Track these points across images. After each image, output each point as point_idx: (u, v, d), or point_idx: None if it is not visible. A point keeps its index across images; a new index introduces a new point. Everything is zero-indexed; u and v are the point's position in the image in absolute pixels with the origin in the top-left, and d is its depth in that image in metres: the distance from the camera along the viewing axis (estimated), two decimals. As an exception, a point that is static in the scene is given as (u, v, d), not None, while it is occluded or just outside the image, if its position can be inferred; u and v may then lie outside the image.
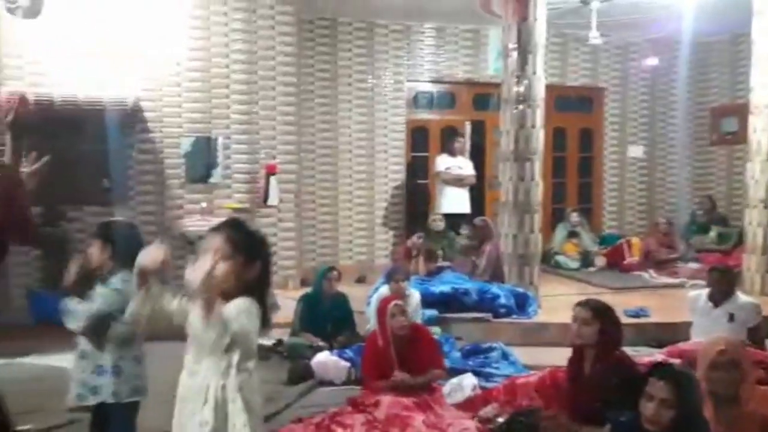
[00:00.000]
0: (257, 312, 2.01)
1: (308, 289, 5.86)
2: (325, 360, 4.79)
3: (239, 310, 1.97)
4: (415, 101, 8.93)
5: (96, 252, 2.78)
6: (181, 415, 2.07)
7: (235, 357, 2.00)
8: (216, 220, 6.96)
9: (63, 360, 5.15)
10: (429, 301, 5.70)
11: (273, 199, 7.39)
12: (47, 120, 6.63)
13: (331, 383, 4.67)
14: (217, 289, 1.95)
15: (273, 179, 7.36)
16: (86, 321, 2.68)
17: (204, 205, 7.23)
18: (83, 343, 2.77)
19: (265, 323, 2.08)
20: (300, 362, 4.79)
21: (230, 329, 1.93)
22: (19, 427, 3.53)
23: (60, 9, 6.54)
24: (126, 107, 6.75)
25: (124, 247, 2.74)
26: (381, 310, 4.17)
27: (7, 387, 3.72)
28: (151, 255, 2.03)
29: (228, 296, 2.00)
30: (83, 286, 2.76)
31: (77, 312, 2.67)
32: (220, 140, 7.32)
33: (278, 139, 7.53)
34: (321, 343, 5.13)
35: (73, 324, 2.69)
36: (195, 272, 1.86)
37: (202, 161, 7.30)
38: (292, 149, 7.60)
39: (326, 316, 5.43)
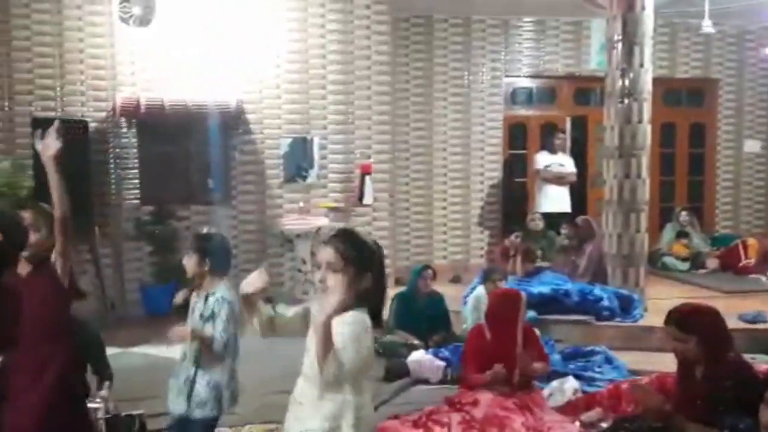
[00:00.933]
0: (367, 327, 1.97)
1: (403, 288, 5.85)
2: (420, 358, 4.76)
3: (348, 339, 1.92)
4: (513, 97, 8.73)
5: (193, 264, 2.85)
6: (294, 417, 2.08)
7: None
8: (313, 219, 7.25)
9: (171, 351, 5.44)
10: (527, 302, 5.53)
11: (368, 198, 7.45)
12: (158, 123, 7.03)
13: (426, 382, 4.65)
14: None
15: (368, 178, 7.42)
16: (223, 342, 2.75)
17: (301, 204, 7.39)
18: (185, 356, 2.85)
19: (378, 325, 2.05)
20: (395, 360, 4.79)
21: (341, 364, 1.90)
22: (133, 412, 3.71)
23: (169, 17, 6.90)
24: (229, 110, 7.00)
25: (220, 259, 2.85)
26: (500, 304, 4.04)
27: (121, 374, 3.95)
28: (253, 282, 2.05)
29: (347, 304, 1.99)
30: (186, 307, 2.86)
31: (218, 339, 2.74)
32: (317, 140, 7.45)
33: (373, 138, 7.59)
34: (416, 342, 5.10)
35: (220, 349, 2.75)
36: (319, 312, 1.85)
37: (300, 161, 7.46)
38: (386, 148, 7.64)
39: (421, 314, 5.39)
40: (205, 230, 3.14)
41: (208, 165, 7.19)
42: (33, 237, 2.49)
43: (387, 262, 7.08)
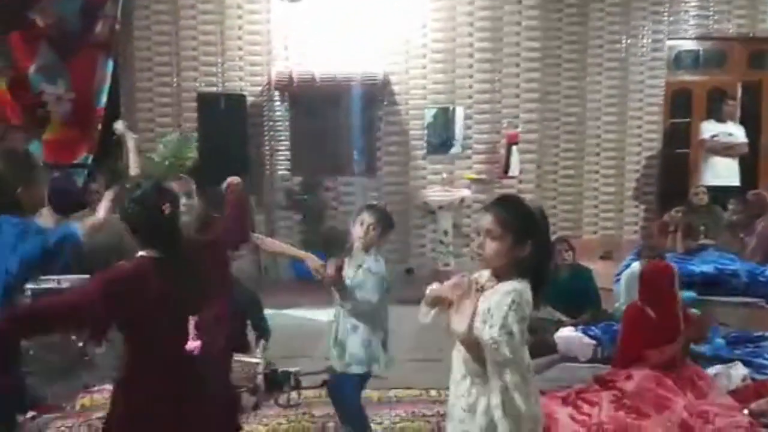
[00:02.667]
0: (526, 299, 1.89)
1: (549, 263, 5.63)
2: (568, 335, 4.57)
3: (497, 307, 1.86)
4: (676, 61, 8.02)
5: (362, 232, 2.92)
6: (454, 395, 2.07)
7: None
8: (456, 191, 7.18)
9: (318, 314, 5.66)
10: (687, 281, 5.10)
11: (513, 170, 7.25)
12: (308, 96, 7.27)
13: (573, 360, 4.46)
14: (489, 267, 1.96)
15: (514, 149, 7.21)
16: (356, 304, 2.85)
17: (445, 175, 7.34)
18: (353, 318, 2.93)
19: (536, 303, 1.97)
20: (541, 336, 4.63)
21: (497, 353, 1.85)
22: (290, 369, 3.90)
23: (319, -9, 7.07)
24: (376, 81, 7.08)
25: (383, 229, 2.94)
26: (656, 279, 3.81)
27: (273, 334, 4.16)
28: (444, 289, 1.99)
29: (501, 276, 1.95)
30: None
31: (368, 300, 2.85)
32: (461, 110, 7.34)
33: (521, 107, 7.34)
34: (564, 318, 4.90)
35: (368, 309, 2.86)
36: (458, 323, 1.80)
37: (444, 132, 7.41)
38: (534, 117, 7.37)
39: (566, 290, 5.15)
40: (373, 202, 3.23)
41: (354, 137, 7.35)
42: (189, 203, 2.65)
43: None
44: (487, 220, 1.96)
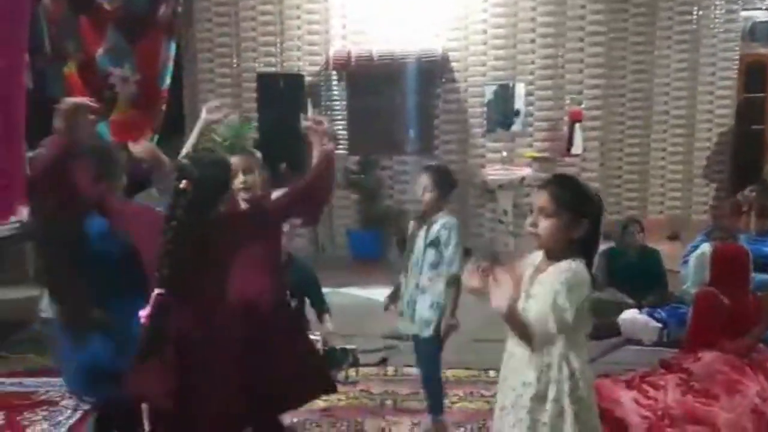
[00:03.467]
0: (584, 279, 1.86)
1: (611, 244, 5.47)
2: (633, 318, 4.44)
3: (560, 287, 1.83)
4: (752, 33, 7.58)
5: (428, 194, 2.90)
6: (506, 368, 2.05)
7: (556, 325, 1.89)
8: (516, 169, 7.04)
9: (374, 293, 5.67)
10: (761, 263, 4.86)
11: (576, 148, 7.05)
12: (366, 75, 7.24)
13: (638, 343, 4.33)
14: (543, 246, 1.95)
15: (578, 126, 7.00)
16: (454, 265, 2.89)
17: (504, 153, 7.20)
18: (422, 281, 2.93)
19: (593, 284, 1.94)
20: (605, 318, 4.50)
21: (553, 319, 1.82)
22: (347, 346, 3.93)
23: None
24: (435, 58, 6.98)
25: (446, 187, 2.95)
26: (730, 263, 3.65)
27: (332, 312, 4.18)
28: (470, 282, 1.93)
29: (555, 255, 1.92)
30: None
31: (451, 258, 2.88)
32: (522, 87, 7.17)
33: (585, 83, 7.12)
34: (628, 300, 4.75)
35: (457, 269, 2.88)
36: (498, 298, 1.74)
37: (504, 109, 7.26)
38: (599, 93, 7.14)
39: (633, 272, 5.00)
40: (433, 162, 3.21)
41: (411, 115, 7.29)
42: (248, 179, 2.65)
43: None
44: (542, 198, 1.93)
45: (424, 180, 2.94)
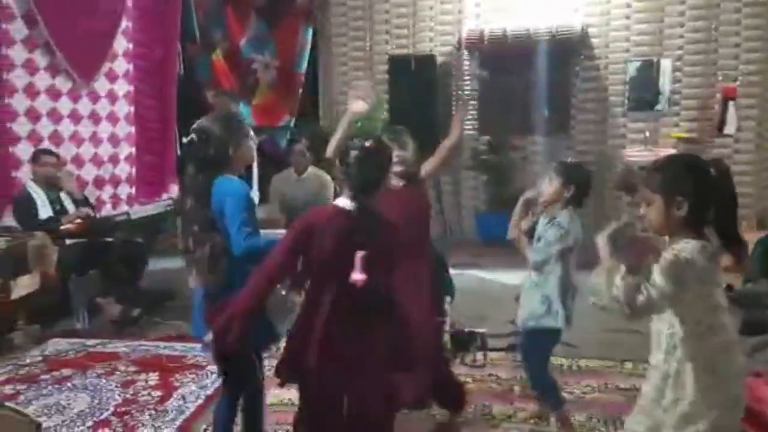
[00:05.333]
0: (687, 257, 1.73)
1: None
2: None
3: (672, 264, 1.73)
4: None
5: (553, 190, 2.79)
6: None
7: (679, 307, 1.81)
8: (660, 151, 6.60)
9: (502, 276, 5.60)
10: None
11: (729, 128, 6.51)
12: (499, 54, 7.08)
13: (796, 341, 3.94)
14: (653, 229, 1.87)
15: (731, 105, 6.46)
16: (540, 257, 2.79)
17: (647, 134, 6.78)
18: (533, 274, 2.87)
19: (742, 267, 1.82)
20: (757, 312, 4.14)
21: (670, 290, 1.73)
22: (476, 329, 3.92)
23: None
24: (572, 35, 6.69)
25: (581, 190, 2.79)
26: None
27: (458, 294, 4.17)
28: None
29: (674, 235, 1.83)
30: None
31: (538, 249, 2.80)
32: (668, 63, 6.70)
33: (741, 58, 6.54)
34: (785, 294, 4.33)
35: (533, 257, 2.82)
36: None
37: (647, 87, 6.82)
38: (756, 69, 6.52)
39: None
40: (569, 159, 3.05)
41: (546, 94, 7.04)
42: (402, 155, 2.71)
43: (748, 201, 6.14)
44: (648, 178, 1.90)
45: (552, 174, 2.82)
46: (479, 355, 3.82)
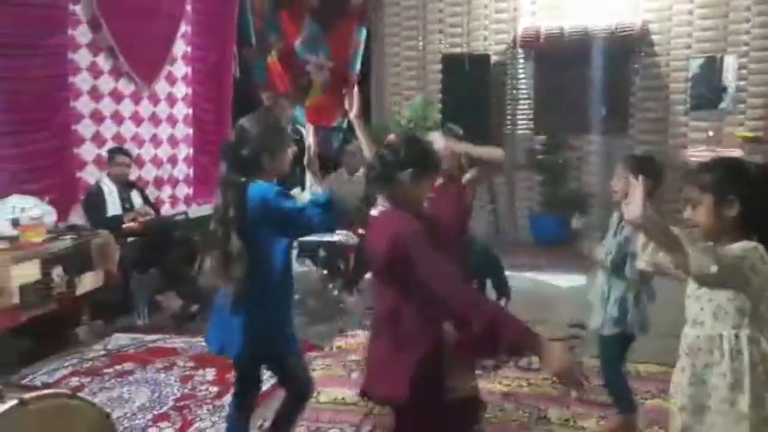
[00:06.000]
0: (749, 260, 1.71)
1: None
2: None
3: (736, 257, 1.71)
4: None
5: (622, 186, 2.70)
6: (694, 368, 1.89)
7: (746, 303, 1.77)
8: (724, 151, 6.36)
9: (557, 279, 5.49)
10: None
11: (799, 127, 6.22)
12: (556, 52, 6.95)
13: None
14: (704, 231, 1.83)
15: (801, 102, 6.17)
16: (617, 256, 2.73)
17: (711, 133, 6.55)
18: (600, 275, 2.81)
19: None
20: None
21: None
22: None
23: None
24: (632, 31, 6.52)
25: (655, 183, 2.61)
26: None
27: (512, 296, 4.12)
28: None
29: (722, 238, 1.79)
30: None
31: (607, 247, 2.76)
32: (733, 59, 6.46)
33: (813, 53, 6.23)
34: None
35: (601, 256, 2.78)
36: (630, 206, 1.66)
37: (711, 85, 6.60)
38: (830, 65, 6.20)
39: None
40: (637, 152, 2.96)
41: (604, 93, 6.88)
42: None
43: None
44: (687, 188, 1.87)
45: (623, 171, 2.72)
46: (534, 359, 3.75)
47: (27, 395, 1.84)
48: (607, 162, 6.45)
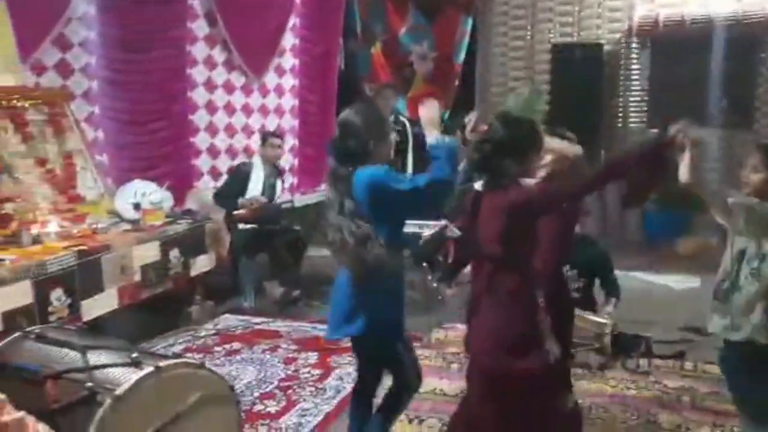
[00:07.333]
0: None
1: None
2: None
3: None
4: None
5: (758, 178, 2.46)
6: None
7: None
8: None
9: (669, 279, 5.21)
10: None
11: None
12: (675, 41, 6.56)
13: None
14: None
15: None
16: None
17: None
18: (740, 277, 2.57)
19: None
20: None
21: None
22: (641, 333, 3.71)
23: None
24: (761, 19, 6.05)
25: None
26: None
27: (623, 296, 3.93)
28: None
29: None
30: None
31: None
32: None
33: None
34: None
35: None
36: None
37: None
38: None
39: None
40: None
41: (726, 85, 6.42)
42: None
43: None
44: (752, 156, 2.37)
45: (754, 159, 2.48)
46: (643, 361, 3.58)
47: (161, 363, 1.97)
48: (728, 158, 6.05)
